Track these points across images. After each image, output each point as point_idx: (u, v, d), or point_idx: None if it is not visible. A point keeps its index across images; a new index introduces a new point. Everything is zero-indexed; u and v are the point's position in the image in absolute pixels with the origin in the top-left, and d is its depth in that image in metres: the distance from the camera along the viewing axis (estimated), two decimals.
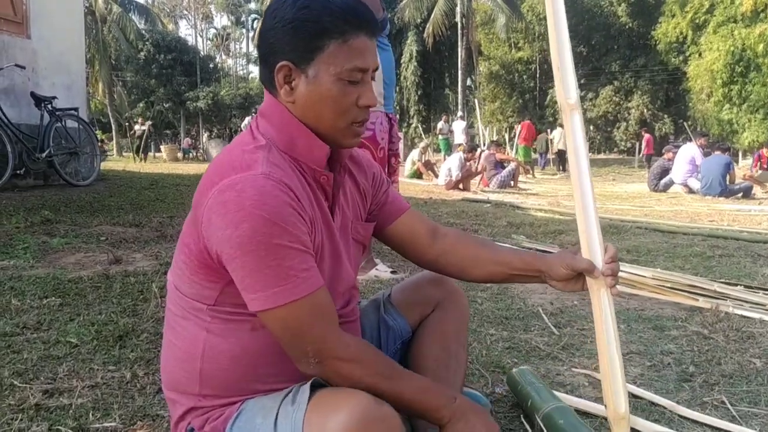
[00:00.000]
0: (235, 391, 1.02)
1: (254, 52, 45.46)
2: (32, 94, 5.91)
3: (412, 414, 1.16)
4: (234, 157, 0.97)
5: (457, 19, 24.42)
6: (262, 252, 0.89)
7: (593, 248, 1.07)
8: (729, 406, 1.54)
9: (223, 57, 47.41)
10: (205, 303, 1.00)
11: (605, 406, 1.06)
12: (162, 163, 17.85)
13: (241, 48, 50.07)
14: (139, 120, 19.97)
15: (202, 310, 1.01)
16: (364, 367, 0.96)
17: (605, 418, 1.44)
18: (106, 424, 1.38)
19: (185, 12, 46.09)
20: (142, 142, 18.43)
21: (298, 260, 0.91)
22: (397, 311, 1.30)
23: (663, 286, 2.73)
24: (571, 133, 1.09)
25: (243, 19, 45.51)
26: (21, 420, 1.38)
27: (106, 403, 1.49)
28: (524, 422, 1.42)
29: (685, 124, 16.60)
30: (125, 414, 1.44)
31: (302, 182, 1.00)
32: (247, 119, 18.63)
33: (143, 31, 26.99)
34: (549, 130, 20.00)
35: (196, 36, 45.56)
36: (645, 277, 2.83)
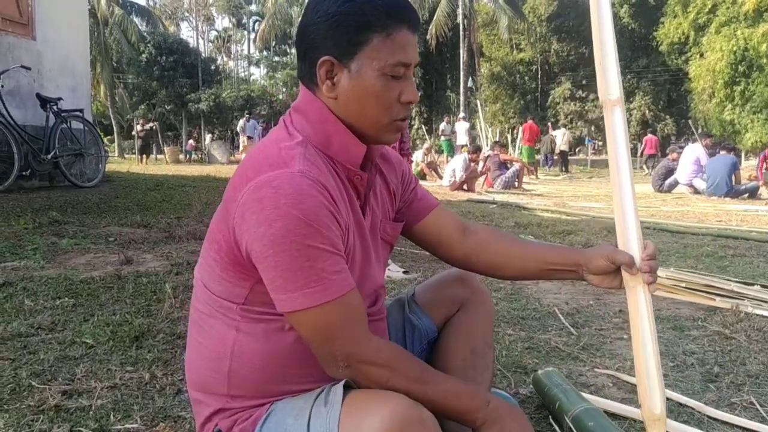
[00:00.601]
0: (265, 392, 0.99)
1: (255, 54, 45.56)
2: (38, 96, 5.89)
3: (445, 417, 1.13)
4: (270, 153, 0.95)
5: (459, 20, 24.43)
6: (294, 252, 0.87)
7: (631, 244, 1.05)
8: (758, 406, 1.51)
9: (225, 59, 47.42)
10: (235, 302, 0.98)
11: (640, 406, 1.03)
12: (164, 164, 17.84)
13: (242, 50, 50.15)
14: (141, 121, 19.85)
15: (231, 309, 0.99)
16: (395, 372, 0.93)
17: (634, 420, 1.42)
18: (128, 426, 1.37)
19: (186, 14, 46.11)
20: (152, 141, 18.27)
21: (330, 262, 0.89)
22: (422, 310, 1.28)
23: (678, 285, 2.71)
24: (611, 129, 1.07)
25: (244, 21, 45.56)
26: (42, 421, 1.36)
27: (126, 404, 1.48)
28: (553, 423, 1.40)
29: (690, 124, 16.55)
30: (146, 415, 1.42)
31: (337, 181, 0.98)
32: (242, 121, 18.46)
33: (145, 34, 26.98)
34: (550, 125, 19.98)
35: (197, 38, 45.56)
36: (659, 276, 2.81)
